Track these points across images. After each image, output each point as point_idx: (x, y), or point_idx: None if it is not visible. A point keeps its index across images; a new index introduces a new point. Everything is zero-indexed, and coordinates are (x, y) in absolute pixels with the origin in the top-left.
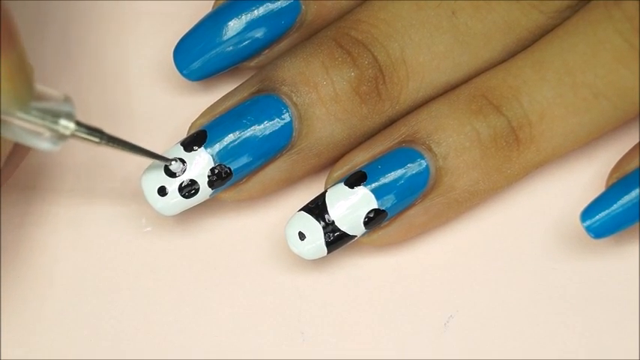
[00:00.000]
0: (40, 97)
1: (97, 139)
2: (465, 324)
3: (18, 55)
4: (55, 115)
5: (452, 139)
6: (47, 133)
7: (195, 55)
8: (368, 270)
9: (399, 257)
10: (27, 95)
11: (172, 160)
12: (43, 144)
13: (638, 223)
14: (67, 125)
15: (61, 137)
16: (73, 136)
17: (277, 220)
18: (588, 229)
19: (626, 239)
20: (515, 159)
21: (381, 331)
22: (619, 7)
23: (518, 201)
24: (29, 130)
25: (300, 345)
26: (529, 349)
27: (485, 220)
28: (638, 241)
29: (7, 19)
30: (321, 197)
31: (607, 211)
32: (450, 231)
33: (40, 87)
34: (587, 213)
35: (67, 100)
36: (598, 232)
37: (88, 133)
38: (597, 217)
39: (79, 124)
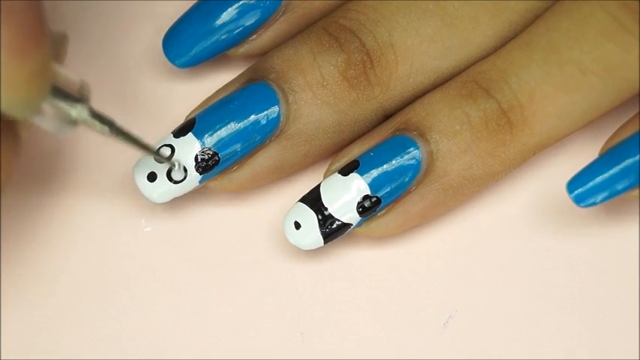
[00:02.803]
0: (58, 80)
1: (106, 130)
2: (464, 324)
3: (40, 57)
4: (71, 101)
5: (442, 123)
6: (56, 118)
7: (184, 43)
8: (367, 270)
9: (398, 257)
10: (40, 98)
11: (175, 162)
12: (50, 125)
13: (624, 194)
14: (80, 112)
15: (71, 123)
16: (84, 122)
17: (278, 222)
18: (575, 198)
19: (628, 239)
20: (509, 142)
21: (380, 332)
22: None
23: (519, 200)
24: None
25: (300, 345)
26: (529, 348)
27: (485, 219)
28: (639, 240)
29: (33, 17)
30: (317, 187)
31: (594, 179)
32: (449, 231)
33: (59, 69)
34: (573, 182)
35: (83, 86)
36: (580, 197)
37: (100, 122)
38: (585, 187)
39: (92, 112)
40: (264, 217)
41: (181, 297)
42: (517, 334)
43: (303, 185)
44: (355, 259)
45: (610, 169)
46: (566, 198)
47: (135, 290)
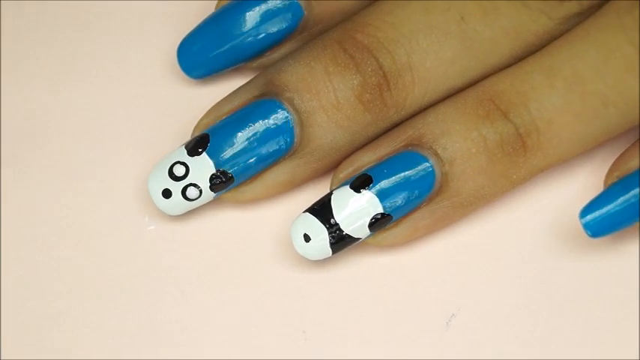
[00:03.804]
0: None
1: None
2: (467, 323)
3: None
4: None
5: (458, 144)
6: None
7: (198, 54)
8: (370, 269)
9: (401, 256)
10: None
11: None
12: None
13: (636, 224)
14: None
15: None
16: None
17: (280, 219)
18: (586, 226)
19: (628, 240)
20: (521, 164)
21: (382, 330)
22: (631, 16)
23: (521, 201)
24: None
25: (302, 344)
26: (531, 348)
27: (488, 219)
28: (638, 241)
29: None
30: (327, 199)
31: (605, 210)
32: (452, 230)
33: None
34: (585, 211)
35: None
36: (595, 230)
37: None
38: (596, 215)
39: None
40: (268, 218)
41: (183, 295)
42: (519, 333)
43: (306, 185)
44: (358, 258)
45: (619, 199)
46: (567, 202)
47: (137, 289)
